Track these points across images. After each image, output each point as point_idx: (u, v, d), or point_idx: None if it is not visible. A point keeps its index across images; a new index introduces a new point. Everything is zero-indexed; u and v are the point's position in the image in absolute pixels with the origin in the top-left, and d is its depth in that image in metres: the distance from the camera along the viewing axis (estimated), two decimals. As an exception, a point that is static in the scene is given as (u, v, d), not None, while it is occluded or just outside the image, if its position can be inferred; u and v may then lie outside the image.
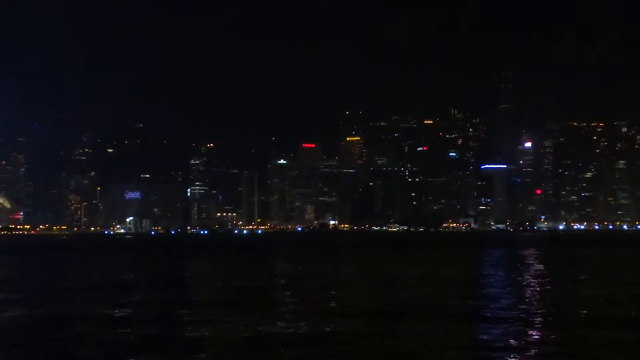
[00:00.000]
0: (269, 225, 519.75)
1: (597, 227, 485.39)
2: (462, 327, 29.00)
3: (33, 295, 43.62)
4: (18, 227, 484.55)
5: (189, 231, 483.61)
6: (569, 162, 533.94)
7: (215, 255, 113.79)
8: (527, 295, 41.86)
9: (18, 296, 43.00)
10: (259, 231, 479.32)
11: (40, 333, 28.42)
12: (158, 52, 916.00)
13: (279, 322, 30.38)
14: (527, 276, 57.67)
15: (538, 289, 46.30)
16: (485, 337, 26.68)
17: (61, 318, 33.01)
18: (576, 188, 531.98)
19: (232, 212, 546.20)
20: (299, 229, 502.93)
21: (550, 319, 31.45)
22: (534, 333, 27.71)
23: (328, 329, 28.14)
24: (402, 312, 33.59)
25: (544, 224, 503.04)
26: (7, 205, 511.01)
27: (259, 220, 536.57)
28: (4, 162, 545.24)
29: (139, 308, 36.70)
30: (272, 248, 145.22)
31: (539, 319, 31.57)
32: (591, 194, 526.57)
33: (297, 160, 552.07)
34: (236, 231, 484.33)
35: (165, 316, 33.53)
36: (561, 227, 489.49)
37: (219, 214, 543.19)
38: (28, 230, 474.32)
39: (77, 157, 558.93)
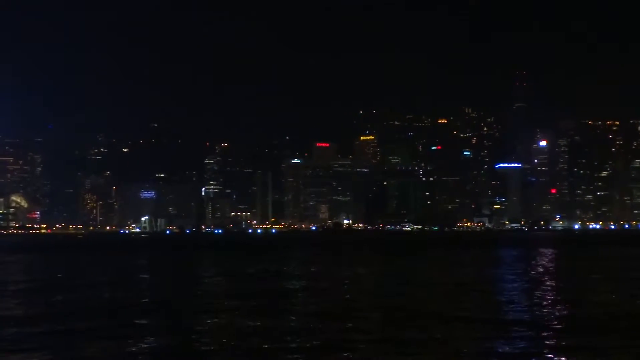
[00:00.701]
0: (283, 225, 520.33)
1: (613, 227, 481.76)
2: (475, 333, 28.99)
3: (43, 292, 44.20)
4: (35, 226, 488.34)
5: (204, 230, 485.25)
6: (584, 161, 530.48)
7: (228, 253, 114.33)
8: (541, 298, 41.82)
9: (29, 292, 43.66)
10: (273, 230, 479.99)
11: (49, 326, 28.92)
12: (173, 53, 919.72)
13: (288, 324, 30.68)
14: (541, 278, 57.63)
15: (552, 292, 46.27)
16: (499, 344, 26.44)
17: (70, 311, 33.55)
18: (591, 187, 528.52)
19: (246, 212, 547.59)
20: (313, 228, 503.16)
21: (564, 323, 31.10)
22: (547, 339, 27.64)
23: (339, 335, 27.75)
24: (414, 316, 33.63)
25: (559, 224, 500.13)
26: (24, 204, 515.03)
27: (273, 219, 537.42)
28: (20, 162, 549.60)
29: (148, 300, 37.18)
30: (287, 247, 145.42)
31: (552, 323, 31.49)
32: (607, 193, 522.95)
33: (311, 159, 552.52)
34: (250, 230, 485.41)
35: (176, 321, 33.89)
36: (576, 227, 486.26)
37: (233, 213, 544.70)
38: (44, 229, 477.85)
39: (93, 157, 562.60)
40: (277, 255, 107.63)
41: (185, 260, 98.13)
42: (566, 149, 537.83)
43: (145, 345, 26.21)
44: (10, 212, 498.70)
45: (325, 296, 43.29)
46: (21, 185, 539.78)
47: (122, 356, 24.39)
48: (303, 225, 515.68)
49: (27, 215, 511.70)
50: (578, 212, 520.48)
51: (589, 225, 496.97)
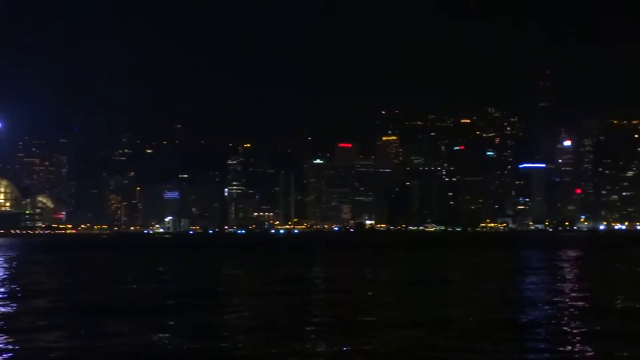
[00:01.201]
0: (306, 225, 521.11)
1: (639, 227, 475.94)
2: (494, 334, 28.99)
3: (67, 292, 44.92)
4: (60, 226, 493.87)
5: (226, 231, 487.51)
6: (609, 160, 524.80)
7: (250, 253, 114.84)
8: (563, 301, 41.56)
9: (55, 290, 44.37)
10: (296, 231, 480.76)
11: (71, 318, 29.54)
12: (196, 54, 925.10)
13: (305, 326, 30.94)
14: (564, 279, 57.28)
15: (574, 294, 45.95)
16: (515, 347, 26.14)
17: (93, 311, 34.21)
18: (617, 187, 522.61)
19: (269, 212, 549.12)
20: (336, 228, 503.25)
21: (585, 327, 30.54)
22: (565, 343, 27.37)
23: (361, 346, 26.75)
24: (442, 323, 33.43)
25: (583, 224, 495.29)
26: (50, 205, 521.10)
27: (295, 219, 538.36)
28: (47, 163, 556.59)
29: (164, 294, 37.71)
30: (310, 248, 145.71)
31: (573, 327, 31.27)
32: (632, 193, 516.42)
33: (334, 159, 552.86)
34: (273, 231, 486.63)
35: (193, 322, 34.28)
36: (602, 227, 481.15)
37: (256, 214, 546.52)
38: (70, 229, 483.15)
39: (117, 158, 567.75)
40: (299, 256, 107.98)
41: (207, 260, 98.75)
42: (591, 148, 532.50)
43: (165, 344, 26.66)
44: (37, 212, 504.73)
45: (344, 296, 43.41)
46: (47, 186, 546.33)
47: (142, 354, 24.86)
48: (325, 226, 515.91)
49: (53, 216, 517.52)
50: (603, 213, 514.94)
51: (614, 226, 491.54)
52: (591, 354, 25.06)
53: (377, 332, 29.30)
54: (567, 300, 41.47)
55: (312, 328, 30.49)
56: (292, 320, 32.84)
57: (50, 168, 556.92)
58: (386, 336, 28.30)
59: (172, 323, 31.90)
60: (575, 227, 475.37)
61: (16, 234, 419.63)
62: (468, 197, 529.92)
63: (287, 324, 31.56)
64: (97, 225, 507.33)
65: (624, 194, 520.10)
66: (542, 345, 26.50)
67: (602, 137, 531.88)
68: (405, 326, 30.82)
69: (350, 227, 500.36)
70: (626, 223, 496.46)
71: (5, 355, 24.37)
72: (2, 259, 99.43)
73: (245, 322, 32.65)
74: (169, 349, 25.85)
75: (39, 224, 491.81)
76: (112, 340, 27.35)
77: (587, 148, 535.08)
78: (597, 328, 30.41)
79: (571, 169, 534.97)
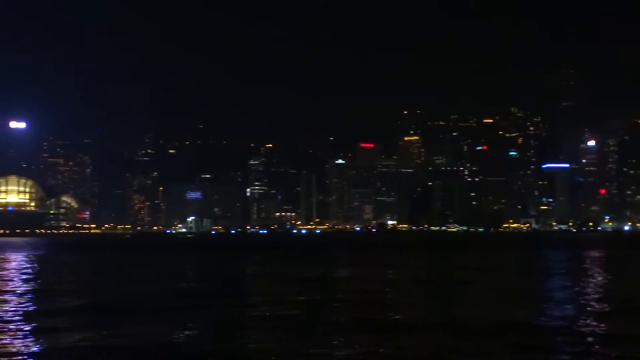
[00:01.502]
0: (328, 225, 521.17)
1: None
2: (516, 337, 28.89)
3: (90, 291, 45.46)
4: (84, 226, 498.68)
5: (249, 231, 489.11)
6: (634, 160, 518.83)
7: (271, 254, 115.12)
8: (585, 304, 41.29)
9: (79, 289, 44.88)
10: (317, 231, 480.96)
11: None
12: (216, 55, 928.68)
13: (327, 329, 31.05)
14: (588, 282, 56.85)
15: (597, 295, 45.59)
16: (535, 353, 25.78)
17: (116, 312, 34.62)
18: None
19: (290, 212, 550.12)
20: (357, 228, 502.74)
21: (608, 331, 30.13)
22: (589, 345, 27.27)
23: (381, 349, 26.38)
24: (462, 324, 33.05)
25: (608, 225, 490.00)
26: (74, 205, 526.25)
27: (317, 220, 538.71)
28: (71, 163, 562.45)
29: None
30: (331, 248, 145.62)
31: (594, 331, 31.08)
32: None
33: (356, 160, 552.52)
34: (294, 231, 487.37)
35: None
36: (626, 228, 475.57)
37: (277, 214, 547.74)
38: (94, 229, 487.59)
39: (140, 158, 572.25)
40: (320, 256, 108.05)
41: (229, 260, 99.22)
42: (615, 148, 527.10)
43: (186, 343, 26.92)
44: (61, 212, 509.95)
45: (364, 297, 43.44)
46: (71, 186, 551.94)
47: (163, 353, 25.14)
48: (347, 226, 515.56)
49: (77, 216, 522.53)
50: (628, 213, 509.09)
51: (639, 227, 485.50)
52: (612, 355, 24.80)
53: (396, 333, 29.34)
54: (589, 301, 41.16)
55: (332, 328, 30.60)
56: (311, 321, 32.98)
57: (75, 168, 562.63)
58: (405, 337, 28.32)
59: (194, 323, 32.18)
60: (599, 228, 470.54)
61: (41, 234, 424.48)
62: (491, 198, 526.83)
63: (307, 324, 31.70)
64: (120, 225, 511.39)
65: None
66: (563, 347, 26.37)
67: (626, 137, 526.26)
68: (425, 327, 30.83)
69: (372, 228, 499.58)
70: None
71: (29, 354, 24.75)
72: (28, 259, 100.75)
73: (265, 322, 32.85)
74: (190, 349, 26.11)
75: (63, 223, 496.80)
76: (134, 339, 27.67)
77: (612, 148, 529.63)
78: (619, 330, 30.14)
79: (595, 169, 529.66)
